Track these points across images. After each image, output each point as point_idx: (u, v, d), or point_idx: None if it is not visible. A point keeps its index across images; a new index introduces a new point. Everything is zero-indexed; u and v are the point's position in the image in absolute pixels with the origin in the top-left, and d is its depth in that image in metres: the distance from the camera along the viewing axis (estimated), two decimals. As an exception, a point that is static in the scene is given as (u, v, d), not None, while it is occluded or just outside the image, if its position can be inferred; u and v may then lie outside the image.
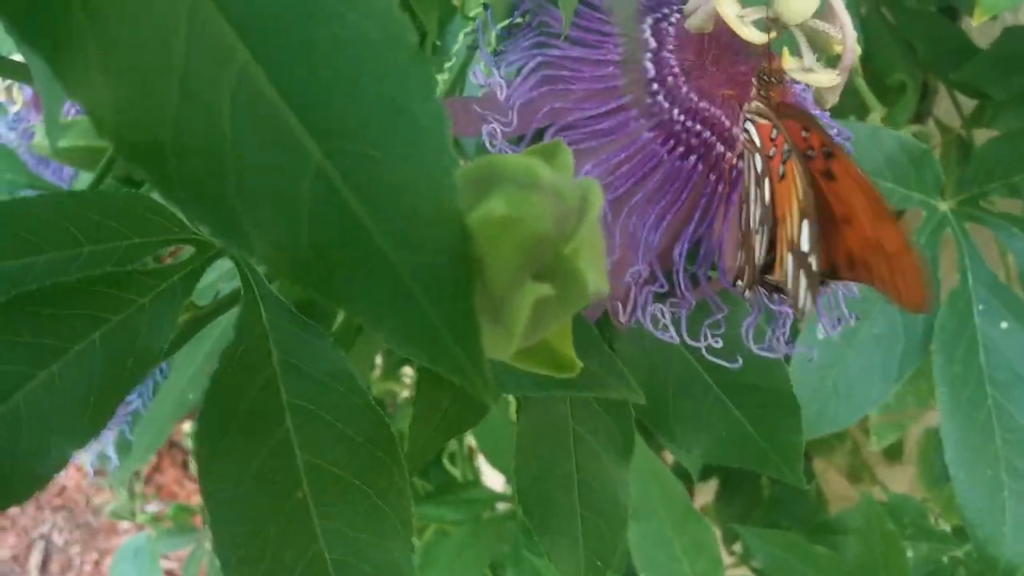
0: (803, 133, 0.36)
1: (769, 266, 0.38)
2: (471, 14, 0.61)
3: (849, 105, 0.97)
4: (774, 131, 0.36)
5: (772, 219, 0.36)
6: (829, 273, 0.38)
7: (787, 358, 0.45)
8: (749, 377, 0.47)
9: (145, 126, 0.20)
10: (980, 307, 0.82)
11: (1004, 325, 0.82)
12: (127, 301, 0.32)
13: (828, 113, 0.49)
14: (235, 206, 0.20)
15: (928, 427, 1.22)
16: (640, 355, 0.46)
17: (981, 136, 1.03)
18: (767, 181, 0.36)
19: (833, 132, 0.47)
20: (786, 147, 0.35)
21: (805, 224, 0.35)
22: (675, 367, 0.47)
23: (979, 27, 1.20)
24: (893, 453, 1.40)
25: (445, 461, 0.94)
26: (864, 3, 1.12)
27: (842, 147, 0.36)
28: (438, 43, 0.65)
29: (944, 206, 0.86)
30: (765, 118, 0.36)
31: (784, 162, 0.35)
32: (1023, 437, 0.78)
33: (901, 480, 1.45)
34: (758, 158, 0.36)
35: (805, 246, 0.36)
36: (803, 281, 0.36)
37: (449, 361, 0.21)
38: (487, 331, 0.25)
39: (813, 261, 0.35)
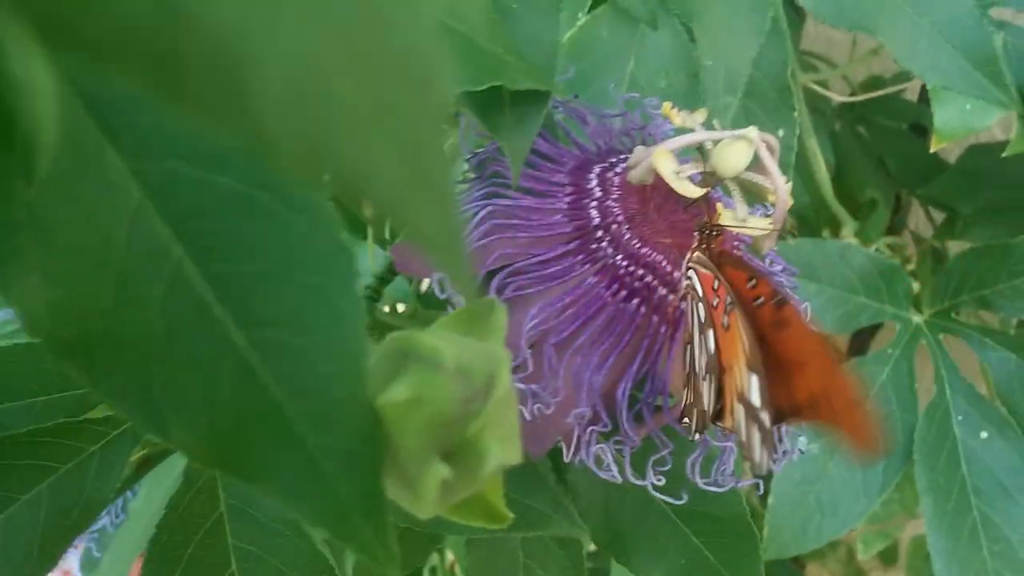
0: (749, 283, 0.38)
1: (719, 413, 0.39)
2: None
3: (823, 220, 1.00)
4: (716, 281, 0.38)
5: (719, 367, 0.38)
6: (791, 413, 0.38)
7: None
8: (705, 505, 0.48)
9: (77, 321, 0.22)
10: (959, 418, 0.83)
11: (984, 435, 0.83)
12: (77, 450, 0.33)
13: (775, 250, 0.51)
14: (157, 396, 0.22)
15: (916, 535, 1.21)
16: (595, 486, 0.47)
17: (955, 247, 1.06)
18: (711, 331, 0.38)
19: (779, 268, 0.48)
20: (728, 299, 0.37)
21: (753, 378, 0.36)
22: (631, 497, 0.47)
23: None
24: (888, 558, 1.38)
25: (426, 574, 0.93)
26: (839, 121, 1.16)
27: (789, 297, 0.37)
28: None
29: (918, 318, 0.87)
30: (707, 268, 0.38)
31: (727, 313, 0.37)
32: (1009, 548, 0.78)
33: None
34: (701, 307, 0.38)
35: (756, 401, 0.37)
36: (756, 436, 0.37)
37: (358, 539, 0.22)
38: (405, 498, 0.26)
39: (765, 417, 0.36)
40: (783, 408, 0.38)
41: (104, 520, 0.62)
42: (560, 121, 0.48)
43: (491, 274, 0.40)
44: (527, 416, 0.38)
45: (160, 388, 0.22)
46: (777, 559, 1.42)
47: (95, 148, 0.22)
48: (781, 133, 0.74)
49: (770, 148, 0.40)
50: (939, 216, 1.13)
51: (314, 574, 0.35)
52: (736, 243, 0.44)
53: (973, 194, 0.99)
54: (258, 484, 0.22)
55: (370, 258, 0.53)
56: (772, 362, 0.37)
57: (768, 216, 0.40)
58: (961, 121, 0.73)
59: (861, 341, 1.24)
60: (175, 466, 0.36)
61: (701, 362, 0.38)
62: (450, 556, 0.92)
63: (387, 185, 0.13)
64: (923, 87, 1.16)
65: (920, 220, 1.19)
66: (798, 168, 1.01)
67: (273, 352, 0.23)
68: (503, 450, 0.23)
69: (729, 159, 0.39)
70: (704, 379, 0.38)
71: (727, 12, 0.42)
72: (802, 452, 0.86)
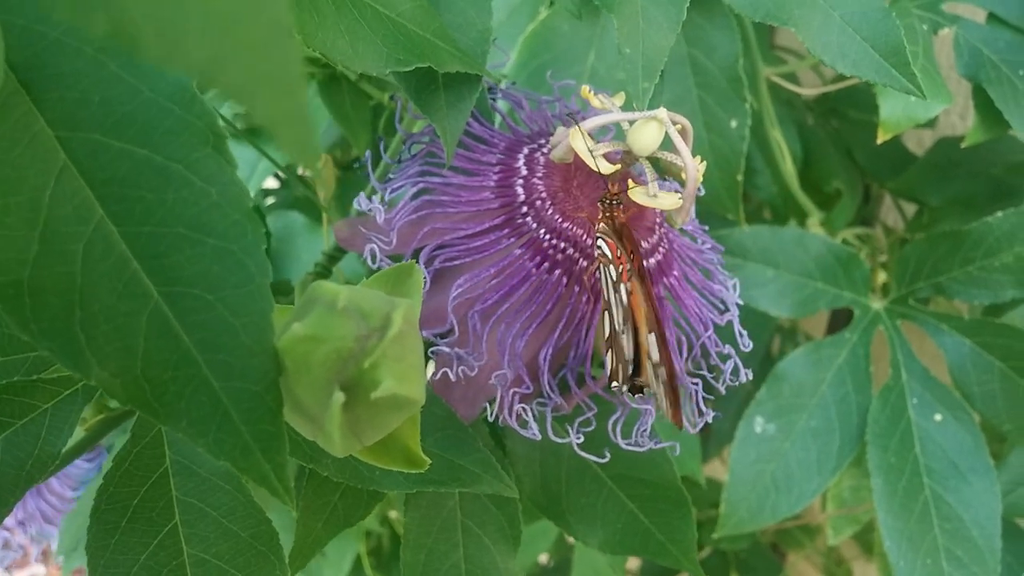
0: (618, 251, 0.41)
1: (636, 368, 0.42)
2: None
3: (790, 210, 1.03)
4: (619, 250, 0.40)
5: (633, 327, 0.41)
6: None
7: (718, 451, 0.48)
8: (638, 470, 0.51)
9: (6, 269, 0.24)
10: (914, 400, 0.85)
11: (938, 417, 0.85)
12: (30, 407, 0.36)
13: (707, 227, 0.53)
14: (79, 339, 0.25)
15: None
16: (532, 450, 0.50)
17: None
18: (622, 287, 0.41)
19: (707, 246, 0.51)
20: (628, 265, 0.40)
21: (652, 337, 0.39)
22: (565, 461, 0.50)
23: (917, 137, 1.26)
24: (868, 545, 1.40)
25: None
26: (810, 113, 1.18)
27: (640, 268, 0.40)
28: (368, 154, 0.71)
29: (877, 305, 0.90)
30: (610, 237, 0.41)
31: (629, 279, 0.40)
32: (961, 526, 0.80)
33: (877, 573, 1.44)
34: (612, 268, 0.41)
35: (654, 357, 0.40)
36: (660, 390, 0.40)
37: (258, 471, 0.25)
38: (317, 438, 0.29)
39: (661, 371, 0.39)
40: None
41: (80, 493, 0.65)
42: (500, 109, 0.51)
43: (420, 250, 0.43)
44: (452, 377, 0.40)
45: (82, 333, 0.25)
46: (756, 548, 1.44)
47: (26, 118, 0.25)
48: (734, 124, 0.77)
49: (682, 129, 0.42)
50: (910, 208, 1.15)
51: (252, 526, 0.38)
52: (658, 219, 0.46)
53: (942, 186, 1.02)
54: (169, 422, 0.25)
55: (324, 237, 0.56)
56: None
57: (679, 193, 0.42)
58: (905, 112, 0.76)
59: (839, 325, 1.26)
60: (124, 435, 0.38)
61: (619, 317, 0.40)
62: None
63: (233, 78, 0.15)
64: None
65: (893, 213, 1.21)
66: (766, 159, 1.04)
67: (186, 306, 0.26)
68: (400, 384, 0.26)
69: (642, 138, 0.41)
70: (623, 333, 0.40)
71: (645, 3, 0.44)
72: (758, 432, 0.89)
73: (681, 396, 0.40)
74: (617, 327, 0.41)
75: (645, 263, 0.43)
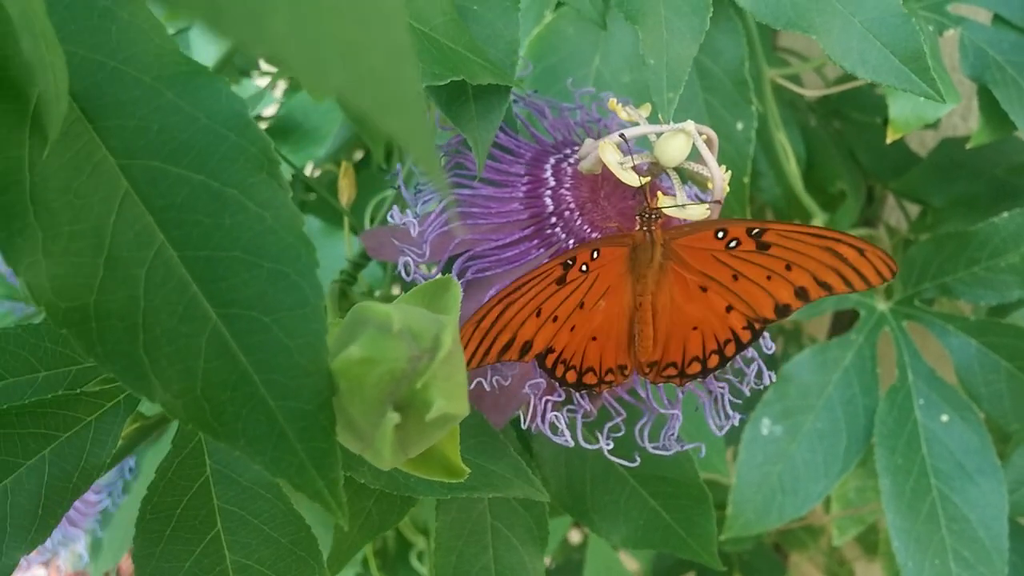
0: None
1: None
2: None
3: (794, 212, 1.04)
4: None
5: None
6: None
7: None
8: (661, 470, 0.52)
9: (74, 295, 0.25)
10: (920, 401, 0.86)
11: (945, 418, 0.86)
12: (75, 420, 0.36)
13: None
14: (143, 361, 0.25)
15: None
16: (557, 453, 0.51)
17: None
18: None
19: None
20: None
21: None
22: (591, 462, 0.51)
23: (919, 138, 1.27)
24: (870, 546, 1.41)
25: (413, 560, 0.96)
26: (813, 115, 1.19)
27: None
28: (383, 166, 0.72)
29: (883, 306, 0.90)
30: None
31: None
32: (968, 526, 0.81)
33: (879, 574, 1.45)
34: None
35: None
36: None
37: (312, 487, 0.26)
38: (366, 452, 0.29)
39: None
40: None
41: (107, 501, 0.65)
42: (519, 115, 0.51)
43: (453, 259, 0.44)
44: (487, 387, 0.41)
45: (146, 356, 0.25)
46: (759, 549, 1.45)
47: (89, 146, 0.26)
48: (740, 126, 0.77)
49: (708, 140, 0.43)
50: (913, 209, 1.16)
51: (292, 532, 0.39)
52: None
53: (945, 187, 1.03)
54: (228, 440, 0.26)
55: (346, 245, 0.57)
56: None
57: (707, 203, 0.43)
58: (915, 112, 0.77)
59: (842, 326, 1.27)
60: (165, 446, 0.39)
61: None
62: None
63: (366, 100, 0.16)
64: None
65: (896, 213, 1.22)
66: (770, 161, 1.05)
67: (243, 328, 0.26)
68: (449, 402, 0.27)
69: (669, 150, 0.42)
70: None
71: (668, 14, 0.45)
72: (764, 434, 0.89)
73: None
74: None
75: None
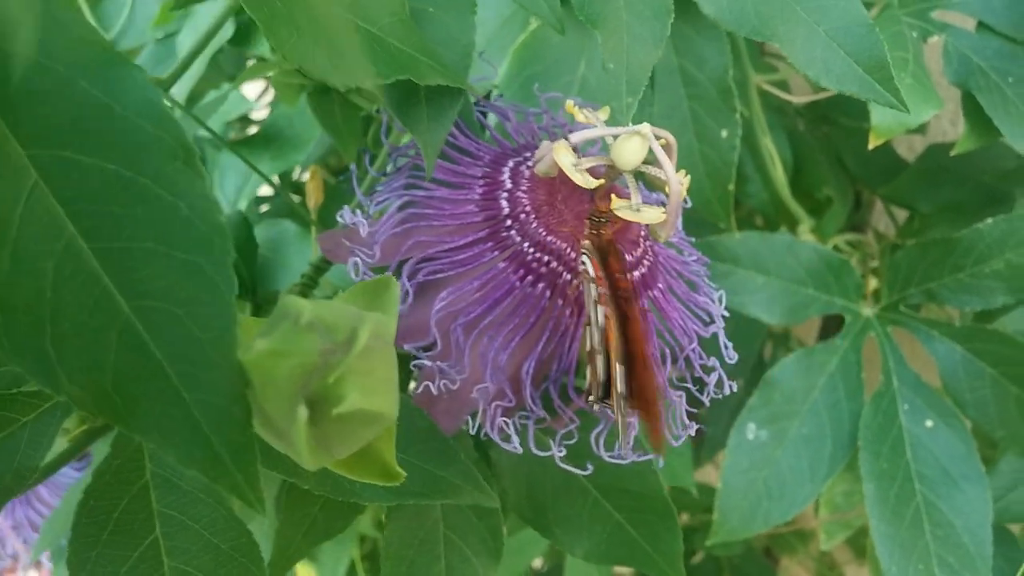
0: (620, 275, 0.41)
1: (606, 391, 0.42)
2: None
3: (781, 217, 1.03)
4: (601, 271, 0.41)
5: (606, 347, 0.41)
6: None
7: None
8: (623, 482, 0.51)
9: (-23, 288, 0.25)
10: (905, 406, 0.85)
11: (929, 423, 0.85)
12: (9, 420, 0.36)
13: (693, 238, 0.54)
14: (49, 354, 0.25)
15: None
16: (517, 462, 0.50)
17: (915, 246, 1.08)
18: (599, 309, 0.41)
19: (692, 258, 0.51)
20: (603, 290, 0.40)
21: (620, 368, 0.39)
22: (551, 472, 0.50)
23: (908, 143, 1.27)
24: (860, 550, 1.40)
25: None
26: (801, 120, 1.18)
27: (613, 295, 0.40)
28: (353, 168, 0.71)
29: (868, 311, 0.90)
30: (593, 256, 0.41)
31: (606, 304, 0.40)
32: (953, 532, 0.80)
33: (870, 577, 1.44)
34: (593, 287, 0.41)
35: (621, 388, 0.40)
36: (622, 419, 0.40)
37: (229, 481, 0.25)
38: (289, 452, 0.29)
39: (624, 403, 0.39)
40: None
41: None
42: (488, 121, 0.51)
43: (404, 262, 0.43)
44: (434, 391, 0.41)
45: (52, 349, 0.25)
46: (749, 553, 1.44)
47: (-4, 137, 0.25)
48: (724, 133, 0.77)
49: (666, 144, 0.42)
50: (901, 214, 1.15)
51: (232, 538, 0.38)
52: (643, 233, 0.46)
53: (932, 192, 1.02)
54: (142, 433, 0.25)
55: (313, 247, 0.56)
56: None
57: (662, 207, 0.42)
58: (896, 118, 0.76)
59: (830, 332, 1.26)
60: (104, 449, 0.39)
61: (595, 338, 0.40)
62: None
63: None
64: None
65: (884, 219, 1.21)
66: (756, 166, 1.05)
67: (155, 320, 0.26)
68: (365, 398, 0.26)
69: (625, 153, 0.41)
70: (599, 353, 0.40)
71: (630, 19, 0.44)
72: (750, 439, 0.89)
73: (660, 419, 0.39)
74: (594, 346, 0.41)
75: (628, 276, 0.43)
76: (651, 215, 0.42)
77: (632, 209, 0.41)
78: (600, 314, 0.40)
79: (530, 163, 0.46)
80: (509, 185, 0.45)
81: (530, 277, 0.43)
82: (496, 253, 0.43)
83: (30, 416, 0.37)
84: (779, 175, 0.99)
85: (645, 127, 0.42)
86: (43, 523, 0.63)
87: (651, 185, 0.48)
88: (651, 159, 0.43)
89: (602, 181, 0.42)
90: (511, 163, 0.46)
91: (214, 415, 0.25)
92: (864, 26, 0.48)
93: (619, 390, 0.39)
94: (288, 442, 0.27)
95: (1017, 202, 1.03)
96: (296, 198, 0.83)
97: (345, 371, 0.26)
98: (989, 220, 0.82)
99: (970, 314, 0.99)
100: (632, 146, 0.42)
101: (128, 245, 0.26)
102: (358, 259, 0.42)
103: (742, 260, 0.86)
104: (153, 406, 0.25)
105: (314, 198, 0.57)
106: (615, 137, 0.43)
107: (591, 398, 0.42)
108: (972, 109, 0.83)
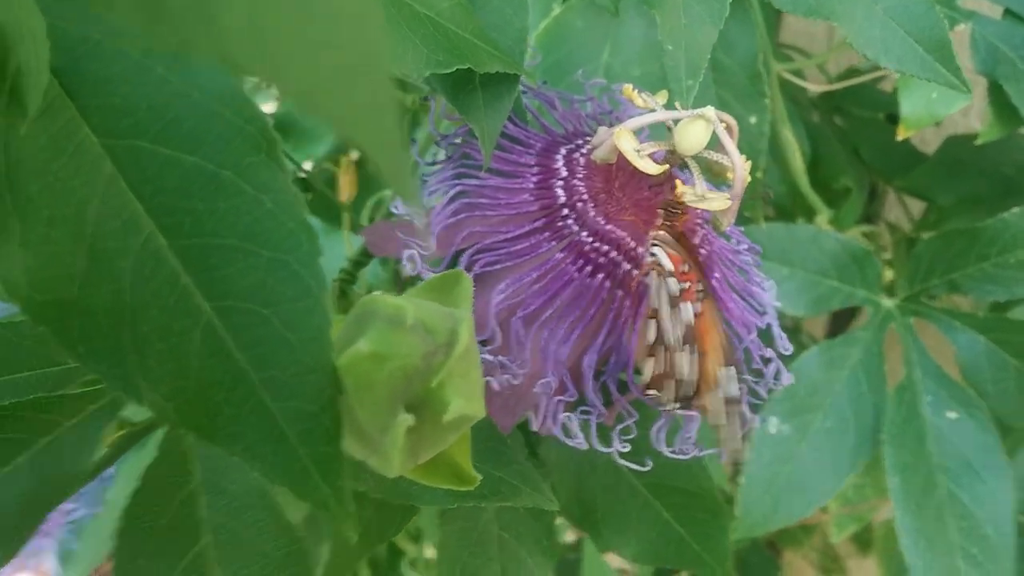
0: (683, 267, 0.39)
1: (695, 390, 0.40)
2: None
3: (799, 208, 1.02)
4: (685, 265, 0.39)
5: (700, 349, 0.39)
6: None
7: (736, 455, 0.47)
8: (674, 480, 0.50)
9: (53, 287, 0.23)
10: (928, 398, 0.84)
11: (952, 415, 0.84)
12: (53, 424, 0.34)
13: (741, 228, 0.52)
14: (130, 360, 0.23)
15: (889, 518, 1.23)
16: (566, 460, 0.48)
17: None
18: (687, 306, 0.39)
19: (744, 247, 0.50)
20: (700, 287, 0.38)
21: (731, 371, 0.38)
22: (600, 470, 0.49)
23: (920, 134, 1.26)
24: (863, 544, 1.40)
25: (405, 568, 0.94)
26: (816, 111, 1.17)
27: (711, 293, 0.39)
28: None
29: (889, 303, 0.89)
30: (675, 250, 0.39)
31: (700, 300, 0.38)
32: (976, 524, 0.80)
33: (872, 571, 1.45)
34: (672, 281, 0.39)
35: (734, 393, 0.38)
36: (737, 427, 0.38)
37: (317, 496, 0.24)
38: (372, 458, 0.27)
39: (746, 410, 0.38)
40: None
41: (81, 511, 0.63)
42: (529, 105, 0.49)
43: (459, 253, 0.42)
44: (496, 387, 0.39)
45: (132, 354, 0.23)
46: (753, 546, 1.43)
47: (70, 125, 0.24)
48: (753, 120, 0.75)
49: (728, 127, 0.41)
50: (914, 206, 1.14)
51: (285, 545, 0.36)
52: (700, 220, 0.45)
53: (952, 184, 1.01)
54: (223, 445, 0.24)
55: (345, 242, 0.54)
56: None
57: (726, 194, 0.41)
58: (927, 109, 0.75)
59: (840, 324, 1.26)
60: (150, 452, 0.37)
61: (676, 334, 0.39)
62: (428, 553, 0.93)
63: (329, 104, 0.14)
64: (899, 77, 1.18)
65: (896, 210, 1.20)
66: (774, 156, 1.03)
67: (239, 322, 0.24)
68: (465, 403, 0.25)
69: (689, 138, 0.40)
70: (681, 351, 0.39)
71: (687, -1, 0.43)
72: (772, 433, 0.88)
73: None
74: (671, 341, 0.40)
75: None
76: (717, 202, 0.40)
77: (698, 196, 0.40)
78: (686, 311, 0.39)
79: (584, 150, 0.44)
80: (564, 173, 0.43)
81: (589, 267, 0.41)
82: (553, 243, 0.42)
83: (74, 420, 0.35)
84: (798, 165, 0.97)
85: (709, 110, 0.40)
86: (85, 531, 0.61)
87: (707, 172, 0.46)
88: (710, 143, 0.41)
89: (666, 167, 0.41)
90: (563, 151, 0.44)
91: (302, 424, 0.24)
92: (923, 4, 0.47)
93: (729, 394, 0.37)
94: (374, 448, 0.26)
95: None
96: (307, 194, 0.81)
97: (447, 375, 0.24)
98: (1015, 210, 0.81)
99: (983, 306, 0.98)
100: (696, 130, 0.40)
101: (209, 242, 0.24)
102: (414, 251, 0.40)
103: (767, 251, 0.85)
104: (237, 416, 0.24)
105: (347, 191, 0.55)
106: (675, 122, 0.41)
107: (656, 392, 0.41)
108: (997, 98, 0.82)
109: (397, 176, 0.16)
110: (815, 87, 1.08)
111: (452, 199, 0.42)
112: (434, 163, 0.45)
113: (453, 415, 0.24)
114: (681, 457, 0.42)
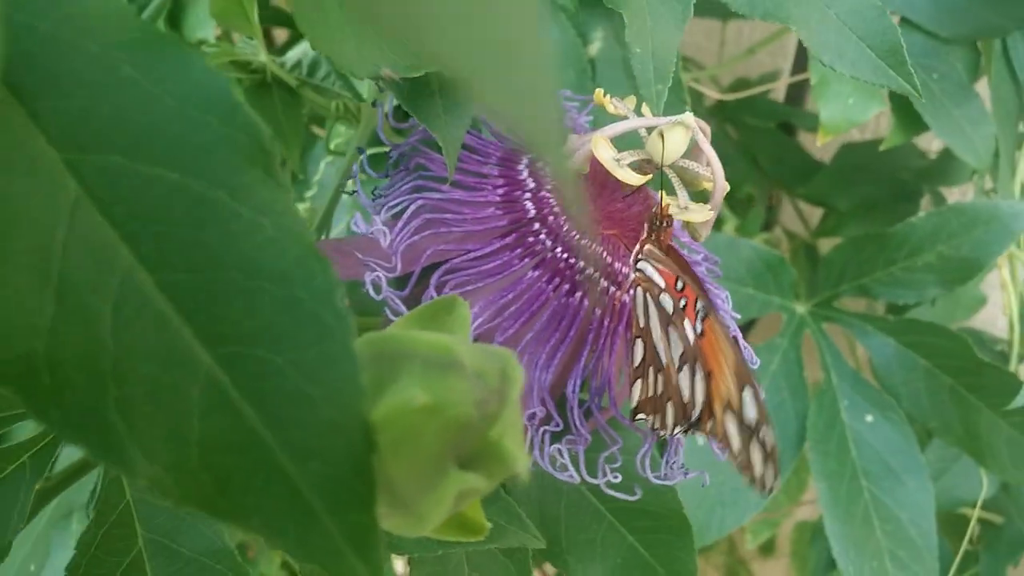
0: (677, 284, 0.37)
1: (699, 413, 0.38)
2: (332, 146, 0.61)
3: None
4: (679, 281, 0.36)
5: (705, 370, 0.36)
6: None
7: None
8: (640, 501, 0.47)
9: (16, 339, 0.18)
10: (845, 403, 0.85)
11: (869, 418, 0.86)
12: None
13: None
14: (116, 424, 0.18)
15: (799, 521, 1.25)
16: (529, 489, 0.45)
17: (825, 243, 1.10)
18: (688, 324, 0.36)
19: (699, 256, 0.48)
20: (701, 304, 0.36)
21: (747, 393, 0.35)
22: (565, 498, 0.46)
23: (812, 141, 1.29)
24: (767, 548, 1.43)
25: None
26: (711, 120, 1.19)
27: (714, 305, 0.36)
28: (300, 176, 0.65)
29: (801, 308, 0.90)
30: (666, 265, 0.37)
31: (701, 319, 0.36)
32: (900, 527, 0.81)
33: (776, 571, 1.48)
34: (666, 298, 0.37)
35: (752, 415, 0.36)
36: (756, 452, 0.36)
37: (350, 574, 0.19)
38: (392, 518, 0.23)
39: (768, 436, 0.35)
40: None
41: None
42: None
43: (425, 272, 0.38)
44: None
45: (120, 417, 0.18)
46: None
47: (21, 134, 0.19)
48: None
49: (704, 134, 0.39)
50: (809, 212, 1.17)
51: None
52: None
53: (849, 190, 1.04)
54: (239, 522, 0.19)
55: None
56: None
57: (706, 204, 0.39)
58: (844, 115, 0.76)
59: (746, 333, 1.27)
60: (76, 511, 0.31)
61: (673, 354, 0.36)
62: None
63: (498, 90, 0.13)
64: (790, 87, 1.21)
65: (791, 217, 1.23)
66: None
67: (247, 372, 0.20)
68: (522, 454, 0.21)
69: (667, 145, 0.38)
70: (681, 371, 0.36)
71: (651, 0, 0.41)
72: (701, 446, 0.87)
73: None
74: (665, 362, 0.37)
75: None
76: (699, 214, 0.38)
77: (680, 207, 0.38)
78: (685, 329, 0.36)
79: (549, 161, 0.41)
80: (531, 184, 0.40)
81: (566, 285, 0.38)
82: (526, 260, 0.38)
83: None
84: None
85: (689, 117, 0.38)
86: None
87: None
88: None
89: (648, 176, 0.38)
90: (525, 159, 0.41)
91: (330, 492, 0.20)
92: (874, 9, 0.46)
93: (748, 418, 0.35)
94: (408, 509, 0.22)
95: (924, 197, 1.06)
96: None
97: (505, 424, 0.21)
98: (922, 214, 0.84)
99: (882, 308, 1.01)
100: (675, 137, 0.38)
101: (202, 276, 0.20)
102: (378, 274, 0.36)
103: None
104: (250, 485, 0.19)
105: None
106: (648, 130, 0.39)
107: (642, 417, 0.39)
108: (900, 105, 0.84)
109: (555, 158, 0.14)
110: (719, 95, 1.09)
111: (413, 215, 0.38)
112: (386, 175, 0.41)
113: (520, 469, 0.21)
114: (667, 483, 0.40)
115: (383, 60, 0.33)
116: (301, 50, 0.60)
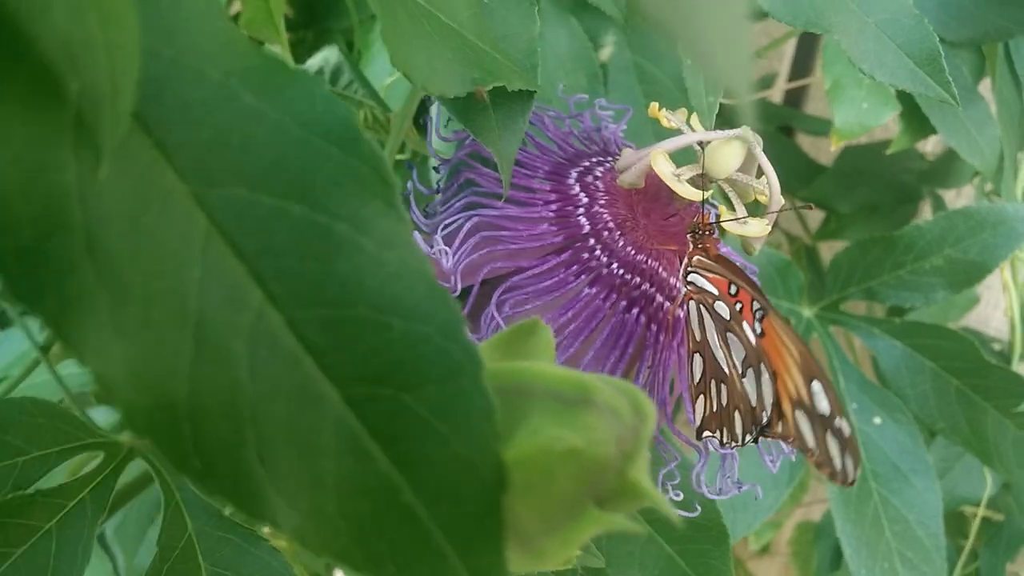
0: (730, 289, 0.37)
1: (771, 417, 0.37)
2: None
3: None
4: (732, 286, 0.36)
5: (771, 371, 0.36)
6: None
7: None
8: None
9: (158, 386, 0.17)
10: (854, 405, 0.86)
11: (877, 420, 0.86)
12: (30, 528, 0.27)
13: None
14: (257, 472, 0.18)
15: (801, 521, 1.26)
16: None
17: (825, 246, 1.10)
18: (747, 327, 0.36)
19: (737, 263, 0.48)
20: (757, 305, 0.36)
21: (815, 385, 0.35)
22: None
23: (815, 144, 1.30)
24: (763, 547, 1.44)
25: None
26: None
27: (771, 305, 0.36)
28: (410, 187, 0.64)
29: (808, 312, 0.90)
30: (717, 273, 0.37)
31: (759, 320, 0.36)
32: (909, 528, 0.81)
33: (771, 571, 1.48)
34: (721, 305, 0.37)
35: (824, 409, 0.35)
36: (834, 444, 0.36)
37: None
38: (520, 561, 0.23)
39: (844, 426, 0.35)
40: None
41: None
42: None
43: (466, 290, 0.38)
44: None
45: (260, 463, 0.18)
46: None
47: (153, 168, 0.18)
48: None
49: (760, 146, 0.39)
50: (809, 214, 1.17)
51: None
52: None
53: (851, 193, 1.04)
54: (372, 569, 0.19)
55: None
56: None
57: (761, 217, 0.39)
58: (859, 120, 0.76)
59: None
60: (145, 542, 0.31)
61: (735, 359, 0.36)
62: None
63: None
64: (787, 91, 1.21)
65: (790, 220, 1.23)
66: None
67: (376, 412, 0.19)
68: (656, 491, 0.21)
69: (723, 159, 0.38)
70: (745, 376, 0.36)
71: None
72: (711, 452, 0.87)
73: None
74: (730, 369, 0.37)
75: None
76: (756, 228, 0.38)
77: (740, 222, 0.38)
78: (746, 333, 0.36)
79: (597, 172, 0.41)
80: (584, 199, 0.40)
81: (623, 302, 0.38)
82: (582, 277, 0.38)
83: (53, 521, 0.29)
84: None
85: (746, 130, 0.38)
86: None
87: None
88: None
89: (709, 192, 0.38)
90: (574, 173, 0.41)
91: (462, 533, 0.19)
92: (912, 17, 0.46)
93: (823, 411, 0.35)
94: (529, 549, 0.21)
95: (924, 200, 1.07)
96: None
97: (642, 462, 0.20)
98: (929, 217, 0.84)
99: (883, 311, 1.02)
100: (731, 151, 0.38)
101: (330, 312, 0.19)
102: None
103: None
104: (382, 530, 0.19)
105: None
106: (704, 143, 0.39)
107: (708, 433, 0.38)
108: (908, 108, 0.84)
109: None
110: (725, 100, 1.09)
111: (469, 233, 0.38)
112: (437, 191, 0.41)
113: (649, 504, 0.20)
114: (721, 497, 0.40)
115: (452, 76, 0.32)
116: (323, 57, 0.59)
